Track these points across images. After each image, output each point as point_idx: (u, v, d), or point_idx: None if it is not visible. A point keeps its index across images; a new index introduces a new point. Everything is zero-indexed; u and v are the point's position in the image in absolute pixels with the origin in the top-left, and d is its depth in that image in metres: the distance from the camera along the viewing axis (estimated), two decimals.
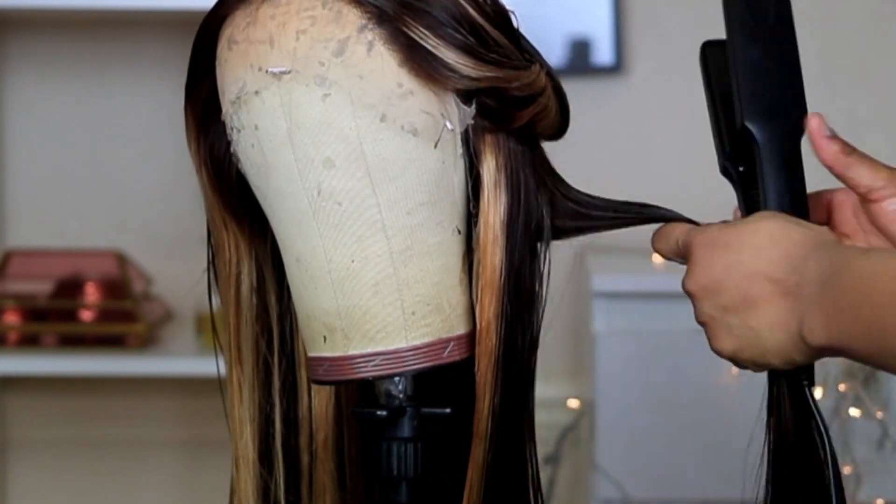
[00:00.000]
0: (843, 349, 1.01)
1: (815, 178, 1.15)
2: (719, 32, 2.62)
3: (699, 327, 1.09)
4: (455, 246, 1.11)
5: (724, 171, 1.15)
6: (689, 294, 1.09)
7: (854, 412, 1.95)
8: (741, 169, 1.14)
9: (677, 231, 1.13)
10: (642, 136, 2.48)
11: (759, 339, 1.05)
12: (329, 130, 1.06)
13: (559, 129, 1.15)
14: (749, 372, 1.08)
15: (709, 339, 1.09)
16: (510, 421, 1.12)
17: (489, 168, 1.10)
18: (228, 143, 1.11)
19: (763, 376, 1.10)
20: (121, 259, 2.31)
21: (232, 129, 1.09)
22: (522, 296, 1.13)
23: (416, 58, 1.06)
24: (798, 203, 1.11)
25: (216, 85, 1.10)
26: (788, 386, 1.10)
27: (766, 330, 1.05)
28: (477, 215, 1.11)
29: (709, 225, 1.10)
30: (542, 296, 1.14)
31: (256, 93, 1.06)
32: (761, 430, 1.11)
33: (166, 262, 2.46)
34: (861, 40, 2.44)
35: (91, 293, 2.28)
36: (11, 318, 2.27)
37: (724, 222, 1.10)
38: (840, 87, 2.44)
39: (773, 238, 1.06)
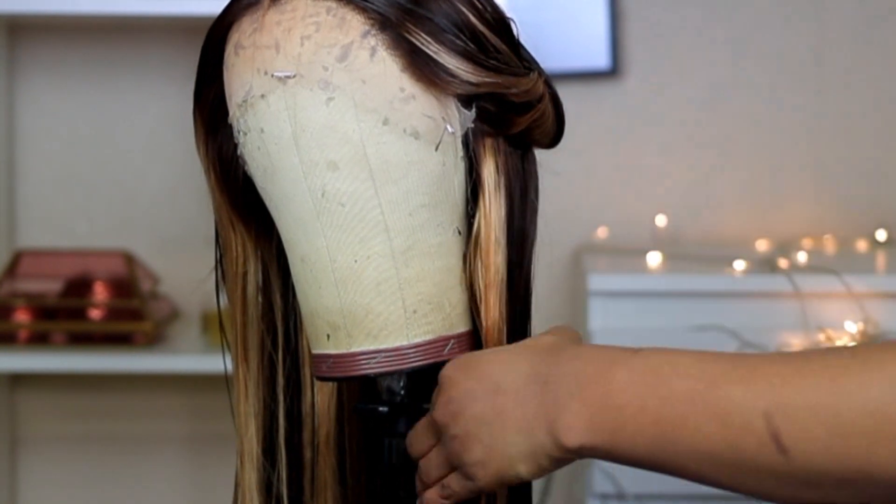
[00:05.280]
0: (609, 448, 0.98)
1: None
2: (716, 36, 2.65)
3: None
4: (455, 246, 1.12)
5: None
6: (438, 424, 1.05)
7: None
8: None
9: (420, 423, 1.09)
10: (638, 140, 2.47)
11: (506, 447, 1.01)
12: (333, 134, 1.06)
13: (555, 137, 1.17)
14: None
15: (460, 454, 1.04)
16: None
17: (489, 170, 1.11)
18: (236, 146, 1.11)
19: None
20: (128, 259, 2.30)
21: (238, 131, 1.09)
22: (522, 295, 1.14)
23: (418, 63, 1.06)
24: None
25: (224, 89, 1.11)
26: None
27: (512, 434, 1.01)
28: (475, 216, 1.12)
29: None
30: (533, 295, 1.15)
31: (262, 96, 1.07)
32: None
33: (173, 261, 2.46)
34: (854, 40, 2.44)
35: (99, 292, 2.27)
36: (22, 317, 2.26)
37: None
38: (833, 87, 2.44)
39: (519, 346, 1.04)
